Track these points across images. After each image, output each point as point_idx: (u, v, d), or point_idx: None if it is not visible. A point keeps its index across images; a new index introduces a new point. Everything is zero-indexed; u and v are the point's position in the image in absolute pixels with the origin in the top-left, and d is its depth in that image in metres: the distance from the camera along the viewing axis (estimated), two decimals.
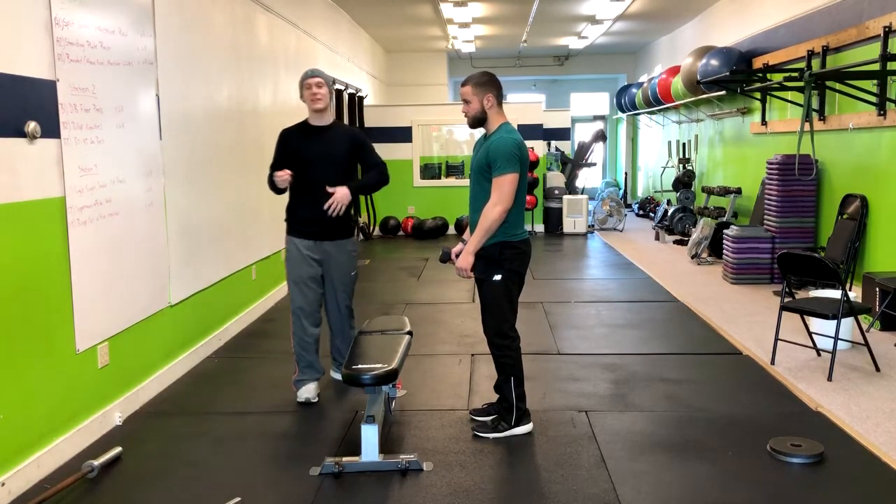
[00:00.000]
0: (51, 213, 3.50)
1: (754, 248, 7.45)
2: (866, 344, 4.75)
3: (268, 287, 6.83)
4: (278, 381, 4.64)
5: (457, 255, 3.82)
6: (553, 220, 12.07)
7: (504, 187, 3.60)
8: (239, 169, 6.14)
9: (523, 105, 12.73)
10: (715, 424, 3.93)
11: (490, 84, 3.73)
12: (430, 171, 12.19)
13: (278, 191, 4.26)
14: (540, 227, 12.21)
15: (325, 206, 4.15)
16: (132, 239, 4.26)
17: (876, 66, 5.95)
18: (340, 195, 4.17)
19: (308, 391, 4.29)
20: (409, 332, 4.10)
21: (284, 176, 4.13)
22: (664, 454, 3.58)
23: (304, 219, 4.28)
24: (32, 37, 3.36)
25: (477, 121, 3.77)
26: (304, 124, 4.35)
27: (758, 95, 8.57)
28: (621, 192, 15.94)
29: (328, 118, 4.33)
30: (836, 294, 4.99)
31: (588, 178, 15.79)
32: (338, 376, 4.49)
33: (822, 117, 7.01)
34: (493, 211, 3.60)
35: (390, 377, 3.46)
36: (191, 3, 5.25)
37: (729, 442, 3.69)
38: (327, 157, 4.24)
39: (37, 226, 3.41)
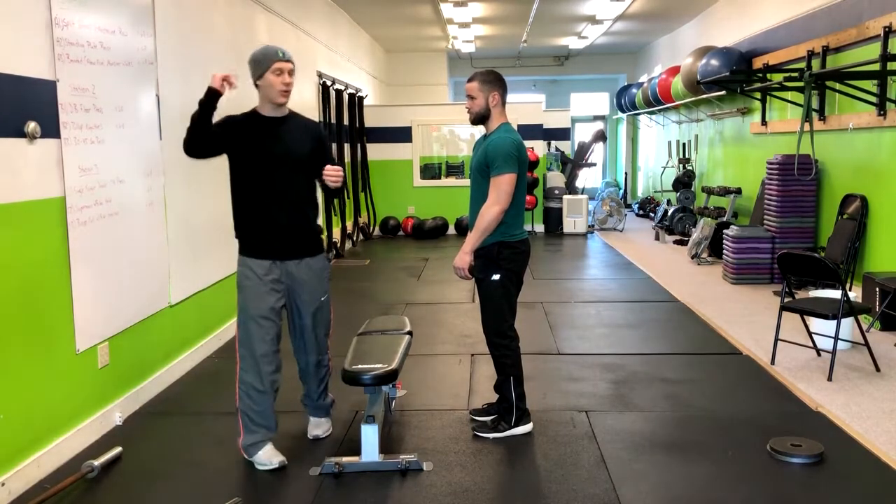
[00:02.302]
0: (51, 213, 3.50)
1: (754, 248, 7.45)
2: (866, 344, 4.75)
3: None
4: None
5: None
6: (553, 220, 12.07)
7: (502, 187, 3.59)
8: None
9: (523, 105, 12.71)
10: (715, 424, 3.93)
11: (497, 83, 3.73)
12: (430, 171, 12.20)
13: (198, 132, 3.31)
14: (540, 227, 12.21)
15: (325, 174, 3.42)
16: (132, 239, 4.26)
17: (876, 66, 5.95)
18: (335, 171, 3.45)
19: (273, 455, 3.47)
20: (409, 332, 4.10)
21: (229, 78, 3.27)
22: (664, 454, 3.58)
23: (261, 232, 3.46)
24: (32, 37, 3.36)
25: (480, 117, 3.75)
26: (255, 115, 3.47)
27: (758, 95, 8.57)
28: (621, 192, 15.95)
29: (285, 109, 3.52)
30: (836, 294, 4.99)
31: (588, 178, 15.79)
32: (318, 432, 3.81)
33: (822, 117, 7.01)
34: (491, 211, 3.60)
35: (390, 377, 3.46)
36: (191, 3, 5.26)
37: (729, 442, 3.69)
38: (288, 157, 3.44)
39: (37, 226, 3.41)
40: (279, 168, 3.43)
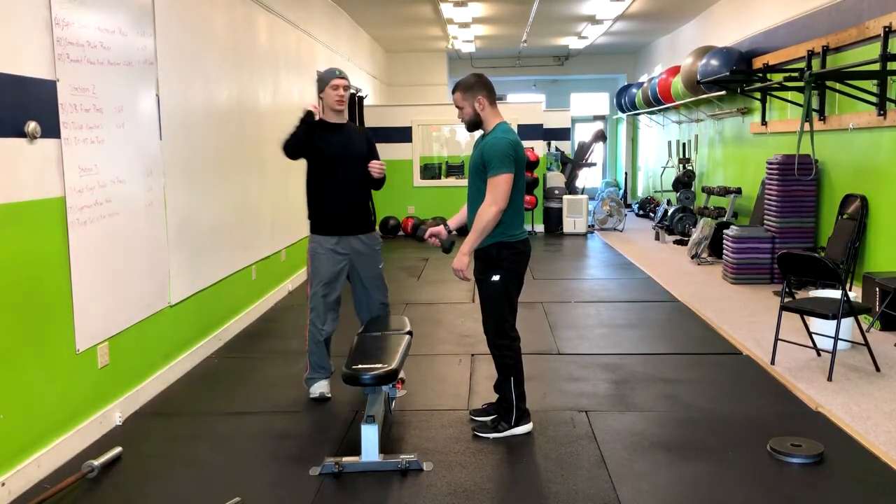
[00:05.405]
0: (51, 213, 3.50)
1: (754, 248, 7.45)
2: (866, 344, 4.74)
3: (268, 287, 6.83)
4: (278, 381, 4.64)
5: (431, 236, 3.94)
6: (553, 220, 12.07)
7: (498, 188, 3.59)
8: (239, 169, 6.14)
9: (523, 105, 12.71)
10: (715, 424, 3.93)
11: (478, 85, 3.74)
12: (430, 171, 12.19)
13: (297, 143, 4.21)
14: (540, 227, 12.21)
15: (370, 166, 4.31)
16: (132, 239, 4.26)
17: (876, 66, 5.95)
18: (380, 165, 4.36)
19: (321, 386, 4.31)
20: (409, 332, 4.10)
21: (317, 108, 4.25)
22: (664, 454, 3.58)
23: (330, 214, 4.29)
24: (32, 37, 3.36)
25: (473, 124, 3.80)
26: (322, 122, 4.31)
27: (758, 95, 8.57)
28: (621, 192, 15.95)
29: (344, 117, 4.37)
30: (836, 294, 4.99)
31: (588, 178, 15.79)
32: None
33: (822, 117, 7.01)
34: (488, 211, 3.60)
35: (390, 377, 3.46)
36: (191, 3, 5.25)
37: (729, 442, 3.69)
38: (349, 154, 4.28)
39: (37, 226, 3.41)
40: (342, 163, 4.27)
